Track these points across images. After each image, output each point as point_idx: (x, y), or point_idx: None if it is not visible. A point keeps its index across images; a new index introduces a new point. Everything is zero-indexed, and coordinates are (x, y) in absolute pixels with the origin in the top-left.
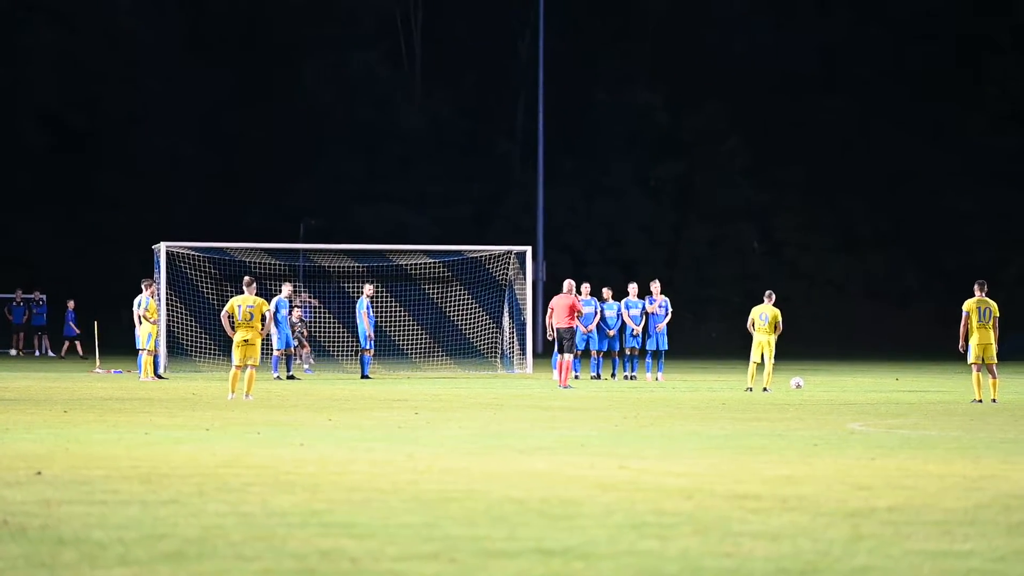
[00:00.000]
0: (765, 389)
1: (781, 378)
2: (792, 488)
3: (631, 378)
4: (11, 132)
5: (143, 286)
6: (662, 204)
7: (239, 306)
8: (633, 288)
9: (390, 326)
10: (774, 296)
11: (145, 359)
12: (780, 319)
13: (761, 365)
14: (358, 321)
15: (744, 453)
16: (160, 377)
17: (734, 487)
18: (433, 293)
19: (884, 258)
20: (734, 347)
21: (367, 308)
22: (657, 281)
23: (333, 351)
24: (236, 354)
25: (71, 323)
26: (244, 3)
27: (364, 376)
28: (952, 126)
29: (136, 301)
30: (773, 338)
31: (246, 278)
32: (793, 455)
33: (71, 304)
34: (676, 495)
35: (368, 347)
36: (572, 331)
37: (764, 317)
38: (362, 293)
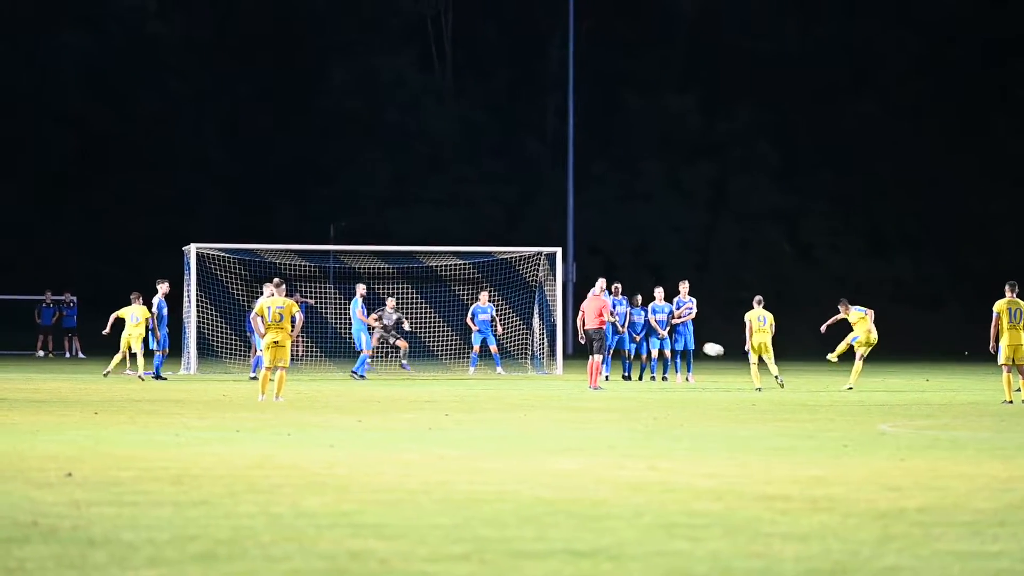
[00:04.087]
0: (777, 378)
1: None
2: (822, 489)
3: (663, 379)
4: (39, 135)
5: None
6: (693, 207)
7: (269, 307)
8: (659, 292)
9: (420, 327)
10: (763, 300)
11: (142, 358)
12: (774, 321)
13: (762, 365)
14: (354, 321)
15: (774, 454)
16: (134, 374)
17: (764, 488)
18: (463, 295)
19: (913, 260)
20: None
21: (362, 308)
22: (686, 282)
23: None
24: (266, 356)
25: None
26: (273, 6)
27: (358, 374)
28: (980, 128)
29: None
30: (769, 339)
31: (276, 280)
32: (823, 456)
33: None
34: (706, 496)
35: (366, 348)
36: (602, 332)
37: (763, 320)
38: (355, 293)
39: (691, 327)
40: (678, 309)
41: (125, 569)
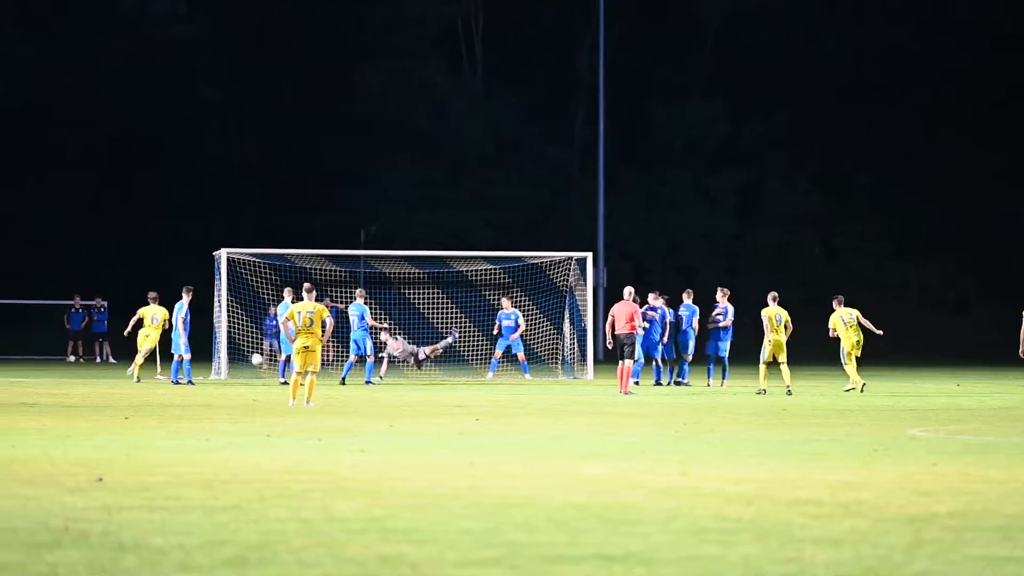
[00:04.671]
0: (788, 389)
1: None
2: (853, 494)
3: (685, 384)
4: (71, 140)
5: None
6: (722, 212)
7: (299, 312)
8: (688, 293)
9: (450, 331)
10: (778, 296)
11: (140, 361)
12: (789, 319)
13: (773, 366)
14: (358, 326)
15: (805, 459)
16: (165, 379)
17: (795, 493)
18: (493, 299)
19: (943, 264)
20: (793, 352)
21: (365, 312)
22: (724, 289)
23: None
24: (296, 361)
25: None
26: (303, 10)
27: (367, 382)
28: (1010, 132)
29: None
30: (784, 340)
31: (306, 284)
32: (854, 461)
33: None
34: (737, 501)
35: (369, 352)
36: (633, 337)
37: (779, 318)
38: (356, 298)
39: (725, 334)
40: (713, 312)
41: (156, 574)
